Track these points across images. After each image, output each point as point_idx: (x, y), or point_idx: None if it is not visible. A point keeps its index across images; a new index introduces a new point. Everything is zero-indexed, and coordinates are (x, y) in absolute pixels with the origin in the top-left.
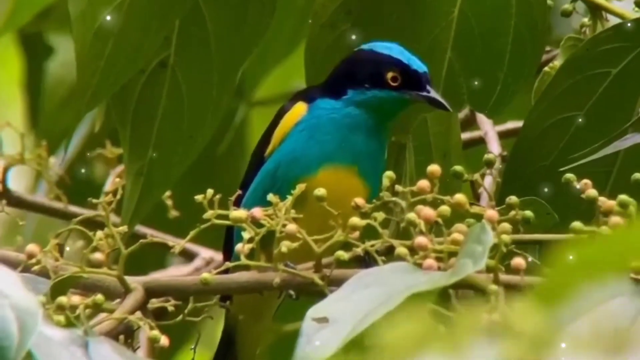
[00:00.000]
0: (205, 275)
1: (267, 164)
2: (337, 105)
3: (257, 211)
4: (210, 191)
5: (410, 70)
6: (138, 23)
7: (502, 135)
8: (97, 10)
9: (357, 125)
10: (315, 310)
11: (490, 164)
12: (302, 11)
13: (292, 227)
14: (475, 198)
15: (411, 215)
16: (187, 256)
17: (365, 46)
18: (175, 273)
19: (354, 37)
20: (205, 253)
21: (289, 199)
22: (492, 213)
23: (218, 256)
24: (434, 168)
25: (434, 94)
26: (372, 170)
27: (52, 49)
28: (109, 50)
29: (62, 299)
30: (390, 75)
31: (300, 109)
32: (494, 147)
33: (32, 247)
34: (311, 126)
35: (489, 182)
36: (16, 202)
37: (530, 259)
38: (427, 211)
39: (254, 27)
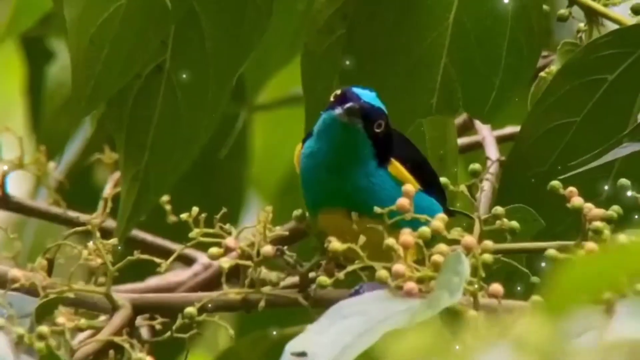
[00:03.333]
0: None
1: None
2: (310, 145)
3: (231, 241)
4: (195, 209)
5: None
6: (134, 28)
7: (500, 140)
8: (93, 16)
9: (328, 163)
10: (294, 344)
11: (475, 174)
12: (304, 16)
13: (267, 248)
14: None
15: (390, 241)
16: (186, 261)
17: None
18: (173, 278)
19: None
20: (204, 258)
21: (260, 222)
22: (469, 240)
23: (216, 261)
24: (408, 187)
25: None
26: (365, 204)
27: (53, 53)
28: (104, 56)
29: (43, 329)
30: (333, 94)
31: (297, 152)
32: (492, 152)
33: (15, 272)
34: (302, 172)
35: (487, 187)
36: (15, 207)
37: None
38: (406, 237)
39: (250, 31)
